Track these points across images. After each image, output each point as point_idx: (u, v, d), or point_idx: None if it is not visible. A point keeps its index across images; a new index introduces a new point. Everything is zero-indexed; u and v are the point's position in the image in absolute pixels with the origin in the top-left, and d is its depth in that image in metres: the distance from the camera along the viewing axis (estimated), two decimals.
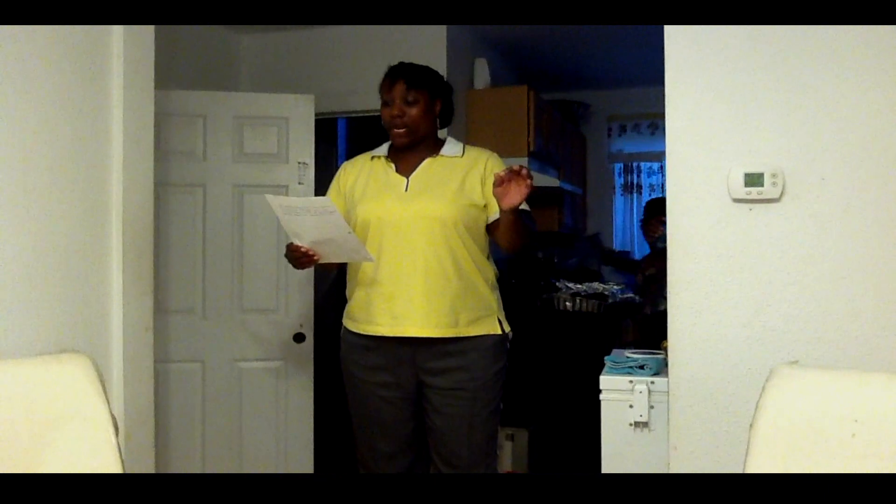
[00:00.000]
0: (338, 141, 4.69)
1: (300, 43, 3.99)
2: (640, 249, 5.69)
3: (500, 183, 2.04)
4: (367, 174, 2.33)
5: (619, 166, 5.86)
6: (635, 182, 5.82)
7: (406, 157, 2.30)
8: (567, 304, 4.04)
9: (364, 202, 2.28)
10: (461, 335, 2.22)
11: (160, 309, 3.06)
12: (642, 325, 4.22)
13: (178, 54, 3.52)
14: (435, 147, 2.32)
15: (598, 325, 3.92)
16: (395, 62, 2.35)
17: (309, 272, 3.13)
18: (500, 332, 2.29)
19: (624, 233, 5.85)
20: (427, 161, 2.29)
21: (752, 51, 1.84)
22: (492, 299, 2.30)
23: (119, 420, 2.03)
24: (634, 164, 5.80)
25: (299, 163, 3.27)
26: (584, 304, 4.06)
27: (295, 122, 3.28)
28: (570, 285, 4.44)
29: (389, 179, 2.29)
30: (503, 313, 2.34)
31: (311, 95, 3.32)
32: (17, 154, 1.78)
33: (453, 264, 2.20)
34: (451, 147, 2.33)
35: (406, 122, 2.24)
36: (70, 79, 1.93)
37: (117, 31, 2.06)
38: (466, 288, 2.22)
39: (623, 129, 5.76)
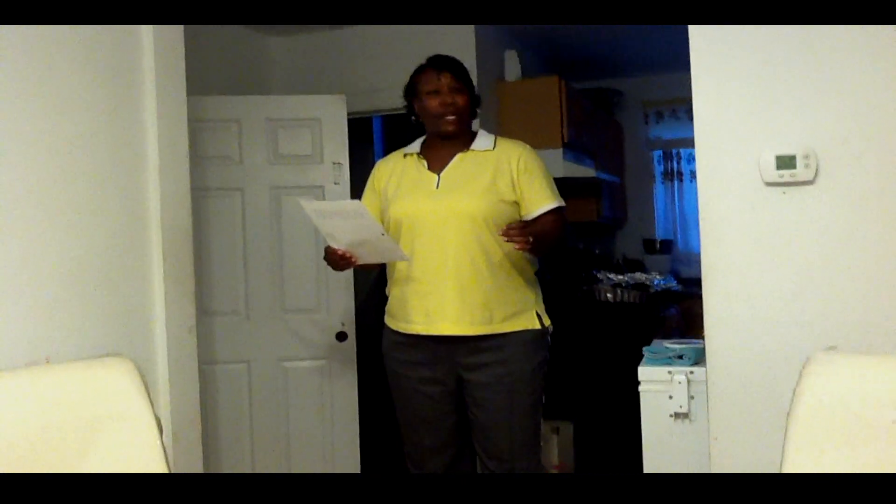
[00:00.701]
0: (374, 140, 4.71)
1: (330, 43, 4.02)
2: (682, 238, 5.62)
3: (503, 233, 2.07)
4: (401, 172, 2.35)
5: (657, 153, 5.77)
6: (676, 169, 5.74)
7: (438, 152, 2.31)
8: (608, 295, 4.01)
9: (397, 200, 2.29)
10: (496, 332, 2.22)
11: (204, 311, 3.14)
12: (686, 314, 4.18)
13: (209, 61, 3.58)
14: (467, 141, 2.32)
15: (641, 316, 3.88)
16: (425, 57, 2.36)
17: (348, 272, 3.16)
18: (538, 326, 2.28)
19: (666, 221, 5.77)
20: (458, 156, 2.29)
21: (778, 32, 1.80)
22: (529, 294, 2.30)
23: (166, 422, 2.10)
24: (674, 151, 5.72)
25: (334, 163, 3.31)
26: (626, 295, 4.02)
27: (327, 122, 3.31)
28: (612, 276, 4.40)
29: (421, 177, 2.30)
30: (542, 307, 2.34)
31: (343, 95, 3.35)
32: (56, 166, 1.83)
33: (486, 260, 2.20)
34: (483, 140, 2.33)
35: (457, 110, 2.27)
36: (103, 90, 1.98)
37: (147, 40, 2.10)
38: (501, 283, 2.22)
39: (660, 116, 5.68)
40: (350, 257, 2.17)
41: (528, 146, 2.36)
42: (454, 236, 2.20)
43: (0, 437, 1.38)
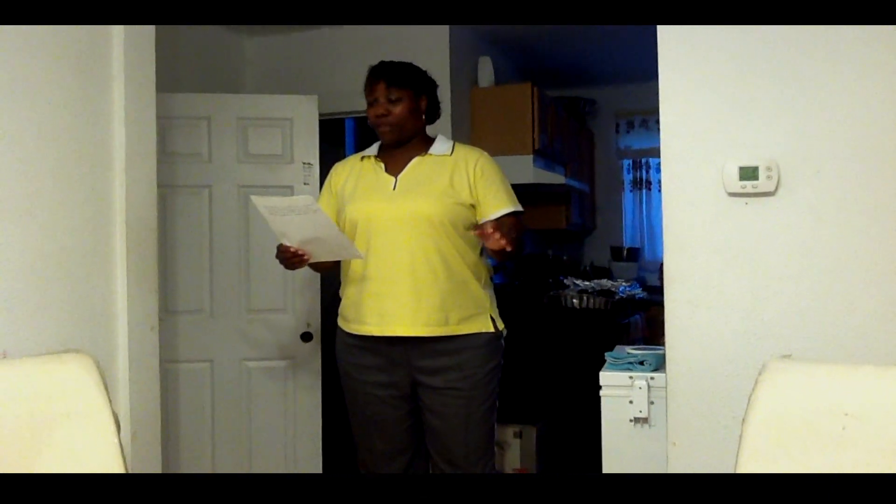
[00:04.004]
0: (345, 141, 4.71)
1: (304, 44, 4.01)
2: (649, 246, 5.68)
3: (481, 232, 2.04)
4: (358, 174, 2.35)
5: (627, 162, 5.86)
6: (644, 178, 5.82)
7: (395, 156, 2.32)
8: (574, 301, 4.04)
9: (353, 202, 2.29)
10: (452, 333, 2.22)
11: (168, 309, 3.11)
12: (650, 321, 4.22)
13: (182, 58, 3.55)
14: (424, 145, 2.33)
15: (605, 322, 3.91)
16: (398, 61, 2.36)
17: (315, 273, 3.15)
18: (493, 329, 2.29)
19: (634, 229, 5.84)
20: (416, 160, 2.30)
21: (745, 43, 1.83)
22: (484, 297, 2.30)
23: (126, 419, 2.08)
24: (643, 160, 5.80)
25: (304, 163, 3.30)
26: (592, 301, 4.05)
27: (299, 122, 3.30)
28: (578, 282, 4.44)
29: (378, 179, 2.30)
30: (496, 311, 2.34)
31: (315, 96, 3.35)
32: (20, 157, 1.81)
33: (442, 262, 2.21)
34: (441, 145, 2.34)
35: (391, 121, 2.26)
36: (71, 83, 1.96)
37: (118, 35, 2.09)
38: (457, 286, 2.22)
39: (631, 125, 5.76)
40: (303, 255, 2.15)
41: (485, 152, 2.37)
42: (410, 238, 2.20)
43: None
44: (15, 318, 1.79)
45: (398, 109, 2.26)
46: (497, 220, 2.24)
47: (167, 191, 3.09)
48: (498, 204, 2.28)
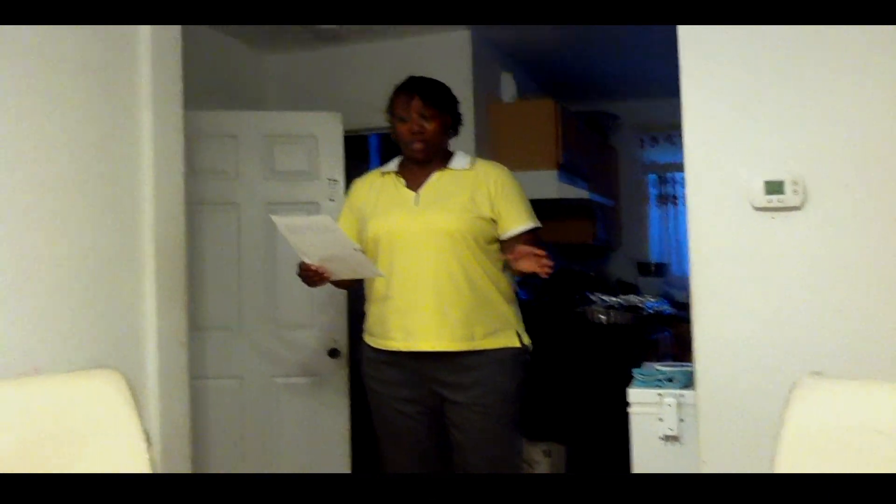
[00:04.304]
0: (370, 156, 4.74)
1: (326, 61, 4.05)
2: (676, 261, 5.64)
3: (517, 255, 2.04)
4: (378, 189, 2.36)
5: (653, 177, 5.82)
6: (670, 193, 5.78)
7: (415, 171, 2.32)
8: (601, 316, 4.01)
9: (374, 218, 2.29)
10: (477, 348, 2.21)
11: (197, 326, 3.13)
12: (679, 338, 4.18)
13: (207, 77, 3.60)
14: (444, 160, 2.33)
15: (633, 339, 3.89)
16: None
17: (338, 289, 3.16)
18: (518, 344, 2.28)
19: (660, 244, 5.80)
20: (436, 175, 2.30)
21: (769, 58, 1.82)
22: (509, 312, 2.29)
23: (155, 435, 2.09)
24: (669, 175, 5.76)
25: (329, 179, 3.32)
26: (619, 317, 4.03)
27: (324, 139, 3.33)
28: (605, 298, 4.42)
29: (399, 194, 2.31)
30: (522, 326, 2.33)
31: (339, 113, 3.37)
32: (50, 176, 1.84)
33: (465, 277, 2.20)
34: (460, 160, 2.34)
35: (425, 138, 2.26)
36: (100, 103, 2.00)
37: (145, 53, 2.12)
38: (481, 300, 2.22)
39: (655, 140, 5.73)
40: (323, 273, 2.17)
41: (505, 168, 2.37)
42: (433, 253, 2.20)
43: None
44: (46, 335, 1.81)
45: (431, 127, 2.26)
46: (517, 237, 2.25)
47: (195, 208, 3.13)
48: (518, 221, 2.28)
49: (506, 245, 2.28)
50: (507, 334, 2.27)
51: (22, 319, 1.76)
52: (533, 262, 2.00)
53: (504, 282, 2.31)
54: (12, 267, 1.74)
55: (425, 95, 2.27)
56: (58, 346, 1.84)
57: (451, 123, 2.34)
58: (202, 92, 3.52)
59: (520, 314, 2.35)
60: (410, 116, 2.26)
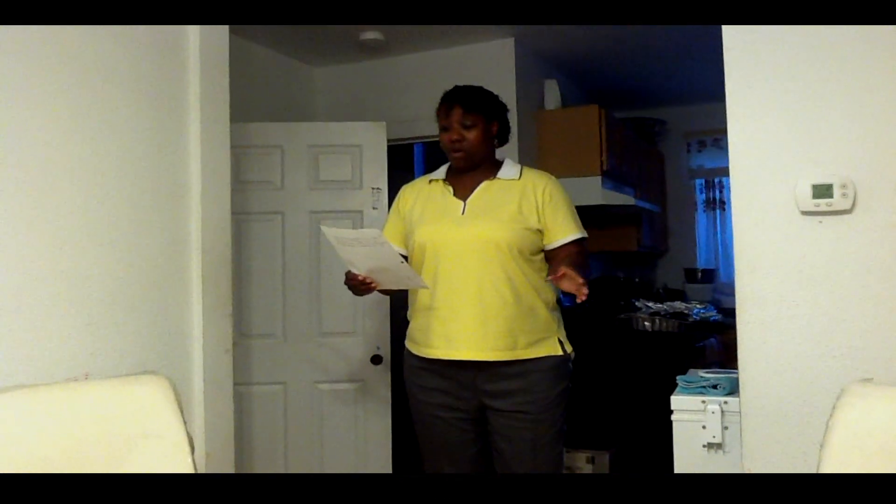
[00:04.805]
0: (414, 165, 4.77)
1: (372, 72, 4.11)
2: (724, 267, 5.55)
3: (558, 276, 2.02)
4: (426, 198, 2.36)
5: (700, 182, 5.74)
6: (718, 198, 5.69)
7: (463, 180, 2.32)
8: (646, 323, 3.97)
9: (421, 226, 2.30)
10: (520, 358, 2.20)
11: (243, 333, 3.20)
12: (727, 345, 4.11)
13: (256, 89, 3.68)
14: (492, 169, 2.33)
15: (679, 345, 3.83)
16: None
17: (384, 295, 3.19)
18: (561, 352, 2.26)
19: (708, 250, 5.71)
20: (484, 184, 2.30)
21: (814, 58, 1.79)
22: (551, 320, 2.28)
23: (200, 440, 2.13)
24: (716, 180, 5.67)
25: (373, 188, 3.36)
26: (664, 324, 3.97)
27: (367, 148, 3.37)
28: (650, 305, 4.36)
29: (447, 203, 2.31)
30: (564, 333, 2.32)
31: (383, 123, 3.41)
32: (101, 188, 1.90)
33: (510, 287, 2.20)
34: (509, 169, 2.34)
35: (465, 147, 2.27)
36: (149, 117, 2.05)
37: (193, 68, 2.18)
38: (524, 311, 2.21)
39: (702, 145, 5.65)
40: (370, 283, 2.19)
41: (553, 177, 2.36)
42: (478, 263, 2.20)
43: (35, 450, 1.42)
44: (97, 341, 1.87)
45: (472, 135, 2.27)
46: (562, 247, 2.25)
47: (242, 218, 3.20)
48: (565, 231, 2.27)
49: (551, 254, 2.27)
50: (550, 343, 2.26)
51: (76, 326, 1.82)
52: (571, 285, 1.99)
53: (548, 290, 2.29)
54: (67, 276, 1.80)
55: (466, 104, 2.27)
56: (107, 352, 1.90)
57: (496, 132, 2.34)
58: (258, 106, 3.61)
59: (562, 322, 2.34)
60: (451, 126, 2.28)
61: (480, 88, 2.35)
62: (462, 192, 2.31)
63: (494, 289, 2.19)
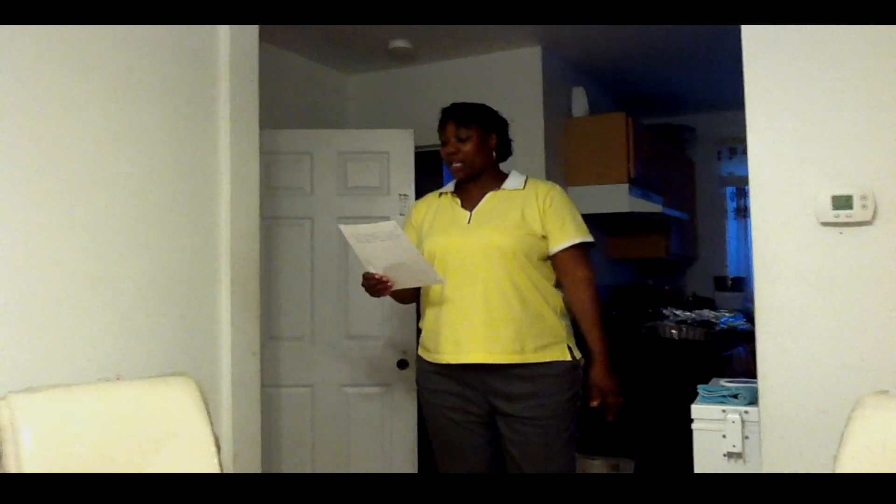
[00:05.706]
0: (442, 171, 4.80)
1: (401, 80, 4.15)
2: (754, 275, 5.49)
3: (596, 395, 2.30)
4: (436, 209, 2.46)
5: (731, 190, 5.68)
6: (749, 205, 5.63)
7: (470, 192, 2.41)
8: (672, 331, 3.96)
9: (431, 236, 2.39)
10: (528, 361, 2.24)
11: (271, 336, 3.25)
12: (755, 354, 4.07)
13: (294, 98, 3.75)
14: (498, 181, 2.41)
15: (706, 354, 3.81)
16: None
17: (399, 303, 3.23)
18: (570, 358, 2.30)
19: (738, 258, 5.66)
20: (490, 195, 2.38)
21: (835, 69, 1.79)
22: (560, 326, 2.32)
23: (227, 441, 2.18)
24: (747, 188, 5.61)
25: (400, 194, 3.40)
26: (691, 333, 3.96)
27: (395, 155, 3.41)
28: (678, 313, 4.35)
29: (455, 213, 2.40)
30: (573, 340, 2.35)
31: (411, 130, 3.45)
32: (133, 193, 1.96)
33: (515, 292, 2.25)
34: (513, 180, 2.41)
35: (460, 158, 2.36)
36: (180, 123, 2.12)
37: (223, 77, 2.24)
38: (531, 316, 2.26)
39: (733, 152, 5.59)
40: (387, 282, 2.24)
41: (557, 185, 2.43)
42: (485, 269, 2.26)
43: (66, 447, 1.48)
44: (128, 343, 1.93)
45: (467, 147, 2.35)
46: (565, 251, 2.31)
47: (271, 223, 3.26)
48: (566, 235, 2.32)
49: (555, 259, 2.32)
50: (559, 348, 2.29)
51: (109, 328, 1.88)
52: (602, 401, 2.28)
53: (555, 297, 2.34)
54: (101, 281, 1.87)
55: (459, 118, 2.37)
56: (138, 354, 1.95)
57: (494, 144, 2.41)
58: (291, 113, 3.67)
59: (571, 329, 2.37)
60: (448, 140, 2.38)
61: (476, 104, 2.44)
62: (469, 203, 2.39)
63: (501, 294, 2.25)
